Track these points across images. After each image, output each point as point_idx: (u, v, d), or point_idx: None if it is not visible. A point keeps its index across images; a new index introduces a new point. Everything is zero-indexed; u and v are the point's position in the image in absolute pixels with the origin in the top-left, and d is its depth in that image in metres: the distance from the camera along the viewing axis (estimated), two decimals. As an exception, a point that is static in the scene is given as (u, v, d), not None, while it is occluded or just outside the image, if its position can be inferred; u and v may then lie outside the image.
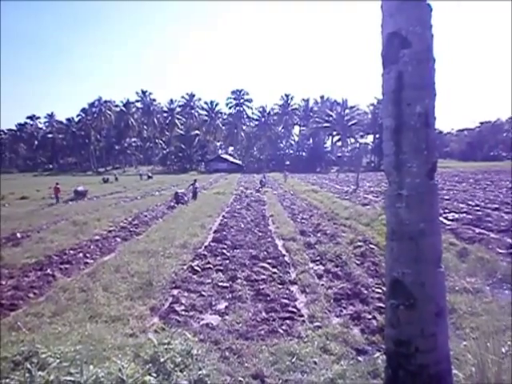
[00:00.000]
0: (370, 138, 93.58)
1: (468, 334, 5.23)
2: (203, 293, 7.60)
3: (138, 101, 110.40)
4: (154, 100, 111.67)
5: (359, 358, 4.93)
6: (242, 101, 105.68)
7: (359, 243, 11.18)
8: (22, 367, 4.25)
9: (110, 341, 5.17)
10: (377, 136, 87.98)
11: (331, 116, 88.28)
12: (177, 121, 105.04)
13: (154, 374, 4.21)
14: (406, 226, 2.53)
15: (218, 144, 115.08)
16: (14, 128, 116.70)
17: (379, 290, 7.40)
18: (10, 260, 10.01)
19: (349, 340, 5.43)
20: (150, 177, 61.98)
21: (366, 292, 7.34)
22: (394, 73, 2.55)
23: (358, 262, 9.39)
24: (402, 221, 2.54)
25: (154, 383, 4.04)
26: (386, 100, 2.66)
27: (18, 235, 13.70)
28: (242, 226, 15.14)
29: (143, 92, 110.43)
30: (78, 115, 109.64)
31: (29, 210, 22.53)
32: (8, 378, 4.03)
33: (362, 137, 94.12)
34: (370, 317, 6.25)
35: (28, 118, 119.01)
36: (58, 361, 4.31)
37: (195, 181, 26.03)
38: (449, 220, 14.32)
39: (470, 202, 19.35)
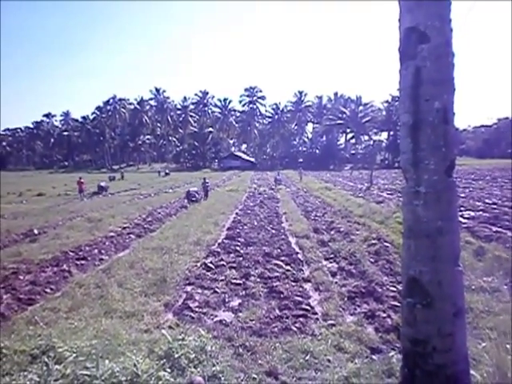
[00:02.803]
0: (384, 135, 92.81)
1: (485, 334, 5.14)
2: (217, 290, 7.61)
3: (151, 98, 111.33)
4: (168, 98, 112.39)
5: (373, 357, 4.89)
6: (255, 98, 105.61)
7: (373, 241, 11.09)
8: (40, 360, 4.32)
9: (125, 336, 5.23)
10: (391, 133, 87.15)
11: (345, 113, 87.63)
12: (190, 118, 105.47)
13: (169, 370, 4.24)
14: (423, 224, 2.49)
15: (232, 141, 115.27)
16: (31, 126, 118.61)
17: (394, 289, 7.33)
18: (27, 255, 10.17)
19: (363, 338, 5.38)
20: (167, 173, 64.33)
21: (380, 290, 7.27)
22: (412, 68, 2.51)
23: (372, 260, 9.31)
24: (420, 218, 2.50)
25: (169, 379, 4.07)
26: (404, 96, 2.62)
27: (35, 231, 13.90)
28: (256, 223, 15.14)
29: (157, 90, 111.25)
30: (92, 113, 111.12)
31: (45, 207, 22.87)
32: (26, 370, 4.11)
33: (376, 134, 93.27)
34: (384, 315, 6.18)
35: (44, 115, 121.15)
36: (74, 355, 4.37)
37: (205, 179, 26.00)
38: (465, 218, 14.10)
39: (486, 200, 19.05)
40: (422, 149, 2.48)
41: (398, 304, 6.55)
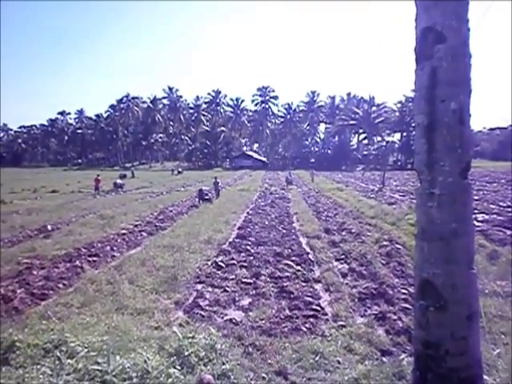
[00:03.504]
0: (397, 136, 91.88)
1: (498, 338, 5.08)
2: (227, 288, 7.64)
3: (164, 97, 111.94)
4: (181, 97, 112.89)
5: (384, 359, 4.86)
6: (267, 98, 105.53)
7: (385, 242, 11.02)
8: (52, 355, 4.38)
9: (136, 333, 5.27)
10: (404, 134, 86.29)
11: (357, 113, 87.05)
12: (202, 117, 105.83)
13: (178, 367, 4.26)
14: (437, 226, 2.46)
15: (243, 141, 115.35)
16: (46, 123, 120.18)
17: (405, 291, 7.28)
18: (41, 251, 10.31)
19: (373, 340, 5.35)
20: (179, 172, 65.54)
21: (391, 292, 7.22)
22: (428, 69, 2.49)
23: (383, 262, 9.25)
24: (433, 220, 2.47)
25: (178, 376, 4.09)
26: (419, 97, 2.59)
27: (49, 227, 14.08)
28: (267, 222, 15.14)
29: (170, 89, 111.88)
30: (106, 111, 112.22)
31: (59, 204, 23.13)
32: (39, 364, 4.17)
33: (388, 135, 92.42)
34: (395, 317, 6.14)
35: (59, 113, 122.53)
36: (85, 350, 4.42)
37: (216, 178, 26.04)
38: (479, 221, 13.92)
39: (501, 203, 18.76)
40: (437, 150, 2.46)
41: (409, 306, 6.51)
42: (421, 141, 2.55)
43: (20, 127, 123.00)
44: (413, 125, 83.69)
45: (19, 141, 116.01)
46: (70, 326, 5.35)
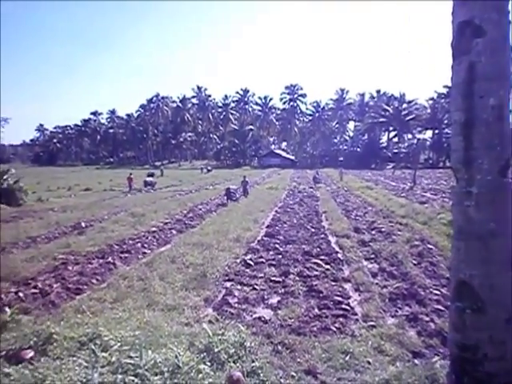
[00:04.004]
0: (428, 134, 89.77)
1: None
2: (256, 286, 7.64)
3: (193, 97, 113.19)
4: (209, 96, 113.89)
5: (416, 361, 4.76)
6: (295, 96, 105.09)
7: (416, 242, 10.79)
8: (87, 347, 4.51)
9: (167, 328, 5.34)
10: (436, 131, 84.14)
11: (388, 111, 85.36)
12: (231, 116, 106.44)
13: (208, 363, 4.30)
14: (474, 226, 2.38)
15: (272, 139, 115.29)
16: (80, 123, 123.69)
17: (438, 292, 7.11)
18: (75, 247, 10.61)
19: (404, 342, 5.24)
20: (209, 170, 66.30)
21: (423, 293, 7.05)
22: (466, 64, 2.41)
23: (414, 262, 9.05)
24: (471, 220, 2.40)
25: (208, 372, 4.13)
26: (456, 93, 2.52)
27: (83, 224, 14.47)
28: (295, 221, 15.09)
29: (199, 88, 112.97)
30: (137, 111, 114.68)
31: (92, 201, 23.77)
32: (75, 356, 4.30)
33: (420, 132, 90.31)
34: (427, 319, 6.00)
35: (92, 113, 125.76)
36: (118, 344, 4.52)
37: (245, 177, 26.01)
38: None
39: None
40: (475, 147, 2.38)
41: (442, 308, 6.35)
42: (458, 138, 2.48)
43: (55, 127, 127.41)
44: (445, 122, 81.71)
45: (54, 140, 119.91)
46: (104, 321, 5.48)
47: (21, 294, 6.98)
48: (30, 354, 4.53)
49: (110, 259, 9.50)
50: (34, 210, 19.54)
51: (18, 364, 4.28)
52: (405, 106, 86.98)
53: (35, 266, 8.85)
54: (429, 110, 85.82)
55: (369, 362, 4.66)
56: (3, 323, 5.34)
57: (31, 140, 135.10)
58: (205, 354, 4.49)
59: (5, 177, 22.96)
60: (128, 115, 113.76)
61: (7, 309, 5.75)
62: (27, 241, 11.99)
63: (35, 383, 3.75)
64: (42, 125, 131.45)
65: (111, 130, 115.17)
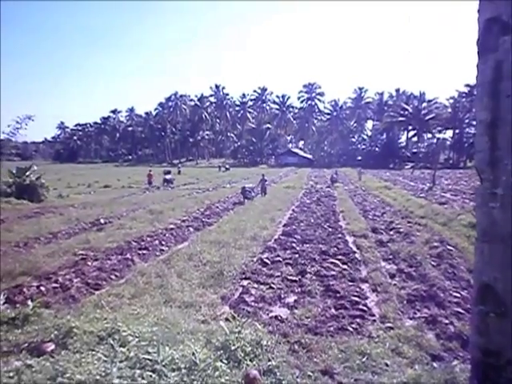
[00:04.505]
0: (448, 134, 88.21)
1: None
2: (272, 285, 7.64)
3: (211, 95, 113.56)
4: (227, 94, 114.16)
5: (434, 364, 4.69)
6: (313, 94, 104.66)
7: (435, 243, 10.63)
8: (106, 342, 4.58)
9: (184, 325, 5.38)
10: (457, 131, 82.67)
11: (407, 110, 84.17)
12: (248, 114, 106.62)
13: (225, 361, 4.32)
14: (499, 228, 2.32)
15: (289, 138, 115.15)
16: (99, 121, 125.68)
17: (457, 294, 6.99)
18: (95, 243, 10.77)
19: (423, 344, 5.17)
20: (227, 168, 66.44)
21: (442, 295, 6.94)
22: (492, 62, 2.35)
23: (433, 264, 8.91)
24: (496, 221, 2.34)
25: (225, 370, 4.15)
26: (481, 92, 2.45)
27: (102, 221, 14.69)
28: (312, 220, 15.03)
29: (217, 86, 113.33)
30: (155, 109, 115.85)
31: (111, 198, 24.10)
32: (94, 350, 4.37)
33: (440, 132, 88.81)
34: (446, 322, 5.90)
35: (111, 111, 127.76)
36: (136, 339, 4.58)
37: (263, 176, 25.90)
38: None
39: None
40: (501, 148, 2.32)
41: (462, 311, 6.25)
42: (483, 138, 2.42)
43: (76, 125, 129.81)
44: (466, 121, 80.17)
45: (75, 138, 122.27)
46: (122, 316, 5.55)
47: (42, 288, 7.14)
48: (51, 346, 4.62)
49: (128, 255, 9.61)
50: (55, 206, 19.92)
51: (40, 356, 4.38)
52: (424, 104, 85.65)
53: (56, 261, 9.03)
54: (449, 109, 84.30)
55: (386, 364, 4.62)
56: (26, 316, 5.47)
57: (52, 137, 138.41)
58: (221, 351, 4.51)
59: (27, 173, 23.49)
60: (147, 113, 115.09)
61: (29, 302, 5.87)
62: (48, 236, 12.22)
63: (56, 376, 3.82)
64: (62, 122, 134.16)
65: (130, 128, 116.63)
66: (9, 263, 8.30)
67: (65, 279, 7.73)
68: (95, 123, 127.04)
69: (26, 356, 4.44)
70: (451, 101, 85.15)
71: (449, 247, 10.24)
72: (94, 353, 4.27)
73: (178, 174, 52.03)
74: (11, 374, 3.93)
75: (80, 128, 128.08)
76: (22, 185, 22.30)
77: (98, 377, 3.76)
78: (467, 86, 79.61)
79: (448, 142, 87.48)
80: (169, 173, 49.54)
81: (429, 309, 6.47)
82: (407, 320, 6.11)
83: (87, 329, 4.94)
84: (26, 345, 4.71)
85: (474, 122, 2.69)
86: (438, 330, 5.65)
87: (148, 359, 4.13)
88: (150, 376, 3.87)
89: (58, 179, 39.30)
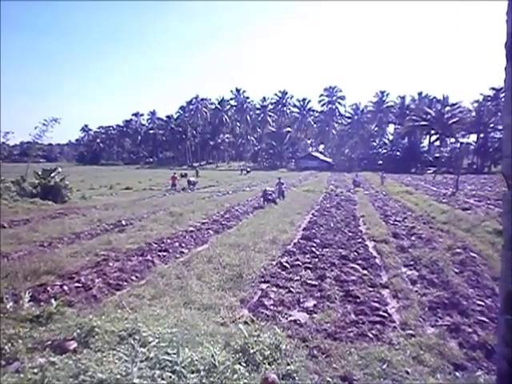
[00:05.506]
0: (472, 138, 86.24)
1: None
2: (291, 289, 7.61)
3: (232, 98, 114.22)
4: (248, 98, 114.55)
5: (457, 374, 4.59)
6: (334, 98, 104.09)
7: (458, 250, 10.41)
8: (127, 342, 4.65)
9: (203, 327, 5.42)
10: (481, 136, 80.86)
11: (429, 114, 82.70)
12: (269, 118, 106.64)
13: (244, 364, 4.33)
14: (526, 235, 2.27)
15: (309, 141, 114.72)
16: (121, 124, 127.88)
17: (481, 303, 6.82)
18: (116, 244, 10.94)
19: (445, 353, 5.06)
20: (248, 171, 68.06)
21: (465, 303, 6.79)
22: (520, 65, 2.30)
23: (456, 270, 8.73)
24: (523, 228, 2.29)
25: (244, 373, 4.16)
26: (509, 96, 2.40)
27: (123, 222, 14.90)
28: (332, 224, 14.92)
29: (237, 90, 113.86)
30: (176, 112, 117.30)
31: (132, 200, 24.45)
32: (115, 349, 4.44)
33: (463, 136, 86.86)
34: (470, 330, 5.76)
35: (133, 115, 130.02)
36: (156, 340, 4.64)
37: (280, 179, 25.58)
38: None
39: None
40: (529, 153, 2.27)
41: (486, 320, 6.10)
42: (510, 143, 2.37)
43: (99, 128, 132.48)
44: (491, 126, 78.35)
45: (98, 140, 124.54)
46: (142, 317, 5.63)
47: (65, 288, 7.27)
48: (74, 345, 4.72)
49: (148, 257, 9.73)
50: (78, 207, 20.34)
51: (63, 354, 4.48)
52: (448, 108, 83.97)
53: (79, 261, 9.21)
54: (474, 113, 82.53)
55: (407, 372, 4.54)
56: (49, 314, 5.60)
57: (76, 140, 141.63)
58: (240, 354, 4.53)
59: (52, 175, 24.07)
60: (168, 116, 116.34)
61: (53, 301, 6.00)
62: (71, 236, 12.48)
63: (78, 373, 3.90)
64: (86, 125, 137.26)
65: (151, 131, 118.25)
66: (34, 262, 8.49)
67: (87, 279, 7.86)
68: (118, 126, 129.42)
69: (50, 353, 4.55)
70: (475, 104, 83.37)
71: (472, 254, 10.01)
72: (114, 352, 4.35)
73: (197, 177, 52.34)
74: (35, 371, 4.03)
75: (103, 131, 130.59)
76: (46, 186, 22.86)
77: (118, 376, 3.82)
78: (493, 89, 77.86)
79: (472, 147, 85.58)
80: (185, 175, 50.07)
81: (451, 317, 6.33)
82: (429, 328, 6.00)
83: (108, 328, 5.04)
84: (50, 342, 4.82)
85: (500, 127, 2.64)
86: (461, 339, 5.52)
87: (168, 360, 4.17)
88: (170, 377, 3.91)
89: (81, 181, 40.11)
